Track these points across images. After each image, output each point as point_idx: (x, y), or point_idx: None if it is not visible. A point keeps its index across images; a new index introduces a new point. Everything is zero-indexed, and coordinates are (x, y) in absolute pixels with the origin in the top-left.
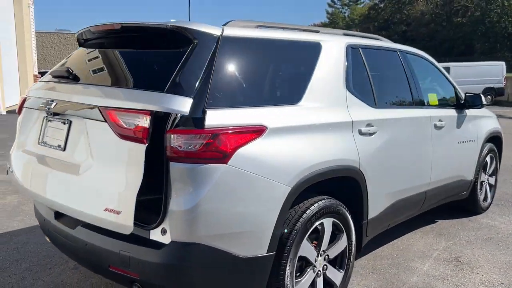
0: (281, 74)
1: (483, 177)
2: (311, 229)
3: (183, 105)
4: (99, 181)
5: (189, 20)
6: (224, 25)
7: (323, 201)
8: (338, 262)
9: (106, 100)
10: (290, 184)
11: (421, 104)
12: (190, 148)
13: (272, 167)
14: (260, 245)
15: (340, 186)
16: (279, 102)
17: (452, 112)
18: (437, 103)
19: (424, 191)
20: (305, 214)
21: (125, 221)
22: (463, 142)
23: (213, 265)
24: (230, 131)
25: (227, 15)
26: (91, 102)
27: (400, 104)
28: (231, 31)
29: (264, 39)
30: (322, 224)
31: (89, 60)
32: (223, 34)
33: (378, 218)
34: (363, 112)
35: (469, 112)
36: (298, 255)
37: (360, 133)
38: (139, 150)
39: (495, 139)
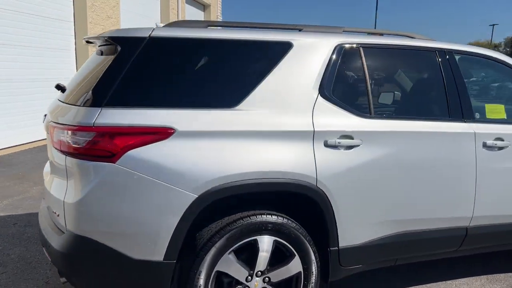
0: (215, 76)
1: None
2: (237, 244)
3: (84, 105)
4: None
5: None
6: (166, 25)
7: (259, 216)
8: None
9: (53, 116)
10: (195, 192)
11: (465, 116)
12: (79, 144)
13: (174, 172)
14: (155, 250)
15: (299, 205)
16: (205, 105)
17: None
18: (504, 116)
19: (463, 227)
20: (228, 227)
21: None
22: None
23: (103, 261)
24: (122, 131)
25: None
26: (51, 118)
27: (420, 115)
28: (160, 32)
29: (200, 39)
30: (255, 241)
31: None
32: (151, 35)
33: (365, 248)
34: (340, 121)
35: None
36: (216, 269)
37: (327, 145)
38: (61, 158)
39: None
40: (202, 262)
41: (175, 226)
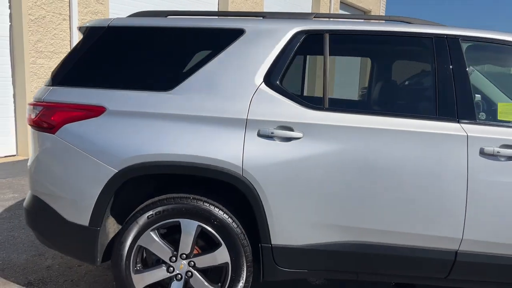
0: (156, 61)
1: None
2: (159, 224)
3: (46, 84)
4: None
5: None
6: (130, 15)
7: (183, 200)
8: (215, 278)
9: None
10: (116, 168)
11: (460, 116)
12: (33, 117)
13: (100, 147)
14: (81, 215)
15: (230, 194)
16: (140, 88)
17: None
18: None
19: (450, 250)
20: (151, 205)
21: None
22: None
23: (48, 219)
24: (61, 106)
25: None
26: None
27: (393, 111)
28: (118, 22)
29: (153, 27)
30: (179, 224)
31: None
32: (109, 25)
33: (307, 252)
34: (281, 111)
35: None
36: (138, 244)
37: (259, 134)
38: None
39: None
40: (125, 234)
41: (97, 196)
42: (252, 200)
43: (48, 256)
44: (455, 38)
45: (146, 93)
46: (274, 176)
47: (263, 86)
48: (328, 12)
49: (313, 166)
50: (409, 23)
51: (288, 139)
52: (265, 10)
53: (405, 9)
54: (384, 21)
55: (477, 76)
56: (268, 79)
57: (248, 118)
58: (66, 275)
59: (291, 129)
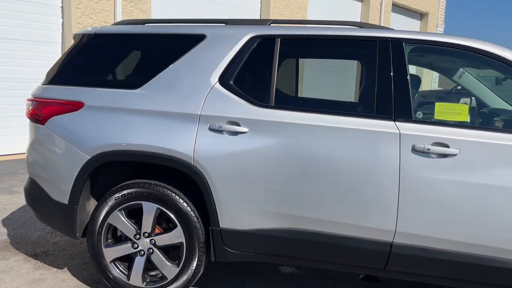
0: (131, 62)
1: None
2: (124, 206)
3: (41, 83)
4: None
5: None
6: (114, 24)
7: (143, 186)
8: (173, 255)
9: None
10: (89, 154)
11: (397, 115)
12: (29, 111)
13: (78, 136)
14: (62, 195)
15: (185, 181)
16: (114, 86)
17: (501, 138)
18: (465, 119)
19: (384, 242)
20: (115, 189)
21: None
22: None
23: (41, 198)
24: (49, 102)
25: None
26: None
27: (333, 109)
28: (103, 29)
29: (129, 33)
30: (139, 206)
31: None
32: (95, 32)
33: (255, 236)
34: (231, 108)
35: None
36: (107, 222)
37: (210, 128)
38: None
39: None
40: (97, 213)
41: (74, 178)
42: (202, 187)
43: (58, 234)
44: (399, 41)
45: (118, 91)
46: (221, 166)
47: (217, 85)
48: (378, 15)
49: (256, 159)
50: (360, 27)
51: (235, 133)
52: (309, 16)
53: (464, 10)
54: (337, 26)
55: (467, 78)
56: (222, 79)
57: (201, 113)
58: (67, 250)
59: (238, 124)
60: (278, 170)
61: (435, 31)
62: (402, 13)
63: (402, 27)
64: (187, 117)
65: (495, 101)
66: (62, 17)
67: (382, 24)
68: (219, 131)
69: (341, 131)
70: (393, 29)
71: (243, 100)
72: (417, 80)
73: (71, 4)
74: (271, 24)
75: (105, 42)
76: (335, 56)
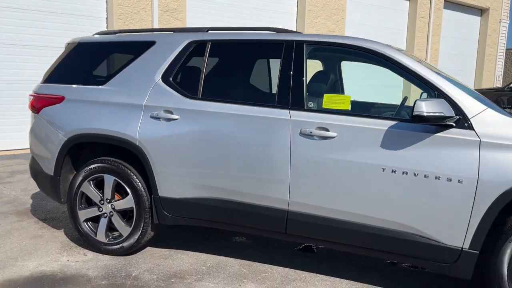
0: (99, 65)
1: None
2: (91, 177)
3: (40, 82)
4: None
5: None
6: (95, 34)
7: (104, 162)
8: (127, 217)
9: None
10: (66, 136)
11: (292, 104)
12: (30, 103)
13: (59, 123)
14: (49, 168)
15: (135, 158)
16: (87, 83)
17: (372, 123)
18: (347, 107)
19: (281, 209)
20: (85, 164)
21: None
22: (406, 173)
23: (39, 172)
24: (42, 96)
25: None
26: None
27: (247, 100)
28: (84, 39)
29: (101, 42)
30: (102, 178)
31: None
32: (79, 41)
33: (185, 203)
34: (168, 100)
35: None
36: (80, 190)
37: (152, 116)
38: None
39: None
40: (72, 182)
41: (56, 154)
42: (144, 163)
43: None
44: (301, 42)
45: (90, 87)
46: (158, 146)
47: (159, 81)
48: (428, 12)
49: (184, 140)
50: (276, 32)
51: (169, 119)
52: (347, 17)
53: None
54: (255, 32)
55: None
56: (164, 77)
57: (145, 104)
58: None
59: (171, 113)
60: (200, 150)
61: (498, 27)
62: (457, 10)
63: (457, 25)
64: (135, 107)
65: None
66: (107, 28)
67: (432, 22)
68: (157, 118)
69: (248, 118)
70: (301, 33)
71: (177, 93)
72: (324, 75)
73: (114, 15)
74: (209, 31)
75: (85, 49)
76: (253, 56)
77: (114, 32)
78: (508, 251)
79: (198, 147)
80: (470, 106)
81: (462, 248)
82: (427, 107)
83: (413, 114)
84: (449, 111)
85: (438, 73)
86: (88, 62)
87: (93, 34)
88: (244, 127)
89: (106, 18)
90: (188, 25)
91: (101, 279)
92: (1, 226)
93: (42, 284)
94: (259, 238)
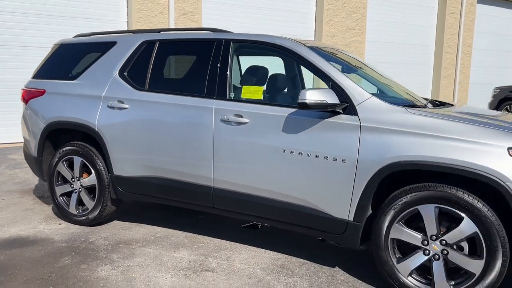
0: (74, 62)
1: (397, 230)
2: (64, 158)
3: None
4: None
5: None
6: (74, 36)
7: (73, 145)
8: (93, 193)
9: None
10: (45, 123)
11: (218, 95)
12: (21, 96)
13: (40, 112)
14: (34, 150)
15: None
16: (63, 78)
17: (277, 111)
18: (259, 97)
19: (207, 186)
20: (60, 148)
21: None
22: (301, 154)
23: (27, 153)
24: (29, 90)
25: None
26: None
27: (183, 91)
28: (65, 40)
29: (77, 43)
30: (72, 159)
31: None
32: (61, 42)
33: (134, 181)
34: (121, 92)
35: (344, 118)
36: (56, 169)
37: (108, 106)
38: None
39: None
40: (51, 163)
41: (38, 138)
42: (102, 146)
43: None
44: (228, 41)
45: (65, 81)
46: (112, 132)
47: (116, 76)
48: (459, 8)
49: (132, 126)
50: (212, 31)
51: (121, 108)
52: (368, 14)
53: None
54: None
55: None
56: (120, 72)
57: (103, 95)
58: None
59: (123, 102)
60: (144, 135)
61: None
62: (494, 4)
63: (493, 20)
64: (96, 98)
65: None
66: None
67: (464, 18)
68: (112, 107)
69: (182, 107)
70: (231, 33)
71: (129, 86)
72: (264, 71)
73: (133, 20)
74: (161, 32)
75: (65, 49)
76: (191, 53)
77: (89, 34)
78: (384, 224)
79: (142, 132)
80: (357, 94)
81: (347, 220)
82: (309, 95)
83: (298, 101)
84: (333, 99)
85: (352, 66)
86: (66, 60)
87: (73, 37)
88: (179, 115)
89: (127, 22)
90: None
91: (62, 242)
92: (4, 200)
93: (14, 244)
94: (214, 216)
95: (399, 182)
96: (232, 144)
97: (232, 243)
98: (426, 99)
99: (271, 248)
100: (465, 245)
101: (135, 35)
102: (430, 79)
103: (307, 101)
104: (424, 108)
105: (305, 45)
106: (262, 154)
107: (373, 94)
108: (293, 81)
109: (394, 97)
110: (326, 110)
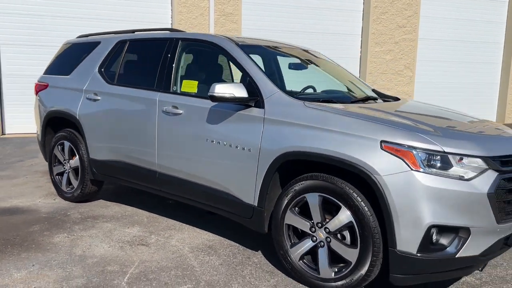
0: (71, 60)
1: (291, 219)
2: (58, 143)
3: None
4: None
5: None
6: (77, 37)
7: (63, 132)
8: (78, 173)
9: None
10: (45, 112)
11: (163, 88)
12: (34, 89)
13: (43, 102)
14: (40, 135)
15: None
16: (61, 74)
17: (205, 103)
18: (194, 91)
19: (154, 170)
20: (56, 133)
21: None
22: (219, 143)
23: (37, 137)
24: (39, 84)
25: None
26: None
27: (140, 85)
28: (70, 40)
29: (76, 43)
30: (64, 143)
31: None
32: (67, 42)
33: (104, 164)
34: (96, 85)
35: (254, 111)
36: (53, 152)
37: (87, 98)
38: None
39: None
40: (50, 147)
41: (41, 125)
42: (81, 131)
43: None
44: (177, 39)
45: (62, 77)
46: (88, 120)
47: (96, 72)
48: None
49: (102, 115)
50: (170, 31)
51: (95, 100)
52: (422, 11)
53: None
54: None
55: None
56: (99, 68)
57: (84, 89)
58: None
59: (97, 95)
60: (110, 123)
61: None
62: None
63: None
64: (79, 91)
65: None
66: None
67: None
68: (89, 99)
69: (138, 99)
70: (182, 32)
71: (103, 80)
72: (220, 67)
73: (175, 21)
74: (135, 32)
75: (69, 48)
76: (150, 50)
77: (87, 35)
78: (280, 210)
79: (108, 121)
80: (267, 89)
81: (253, 205)
82: (218, 89)
83: (208, 94)
84: (241, 93)
85: (301, 63)
86: (67, 58)
87: (76, 37)
88: (134, 106)
89: (171, 24)
90: (244, 28)
91: (44, 214)
92: (26, 178)
93: (8, 212)
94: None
95: (302, 172)
96: (169, 133)
97: (184, 224)
98: (384, 96)
99: (215, 232)
100: (346, 234)
101: (115, 36)
102: (498, 79)
103: (215, 94)
104: (345, 103)
105: (235, 43)
106: (191, 143)
107: (310, 89)
108: (226, 76)
109: (333, 92)
110: (240, 103)
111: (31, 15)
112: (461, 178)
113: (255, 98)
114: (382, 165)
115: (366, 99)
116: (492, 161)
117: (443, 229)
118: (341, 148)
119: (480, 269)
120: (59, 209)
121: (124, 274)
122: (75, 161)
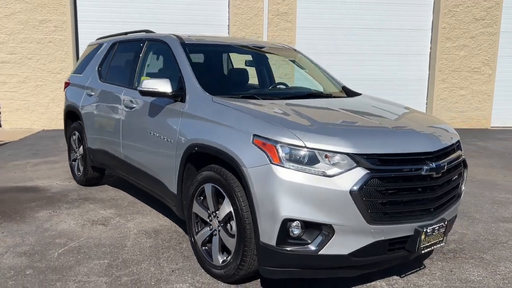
0: (87, 61)
1: (199, 211)
2: (72, 133)
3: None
4: None
5: None
6: (97, 39)
7: (75, 124)
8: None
9: None
10: (65, 106)
11: (130, 85)
12: (64, 86)
13: (68, 97)
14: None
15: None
16: (78, 72)
17: (149, 98)
18: None
19: (120, 159)
20: (68, 125)
21: None
22: (154, 134)
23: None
24: (67, 82)
25: None
26: None
27: (119, 82)
28: (91, 42)
29: (92, 44)
30: (75, 134)
31: None
32: (89, 44)
33: (97, 152)
34: (93, 82)
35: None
36: (71, 140)
37: (87, 94)
38: None
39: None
40: (68, 136)
41: (64, 116)
42: (81, 122)
43: None
44: (144, 40)
45: (77, 75)
46: (86, 113)
47: (96, 70)
48: None
49: (94, 109)
50: (146, 32)
51: (91, 95)
52: (505, 2)
53: None
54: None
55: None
56: (98, 67)
57: (86, 85)
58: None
59: (92, 90)
60: (97, 116)
61: None
62: None
63: None
64: (83, 87)
65: None
66: (228, 33)
67: None
68: (88, 95)
69: (113, 95)
70: (152, 33)
71: (98, 78)
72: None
73: (231, 22)
74: (127, 34)
75: (87, 50)
76: (130, 50)
77: (100, 38)
78: (189, 199)
79: (97, 114)
80: (189, 85)
81: (174, 193)
82: (145, 84)
83: (137, 88)
84: (165, 88)
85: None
86: (87, 58)
87: (96, 39)
88: (111, 101)
89: (228, 25)
90: (298, 28)
91: (50, 193)
92: (60, 164)
93: (25, 190)
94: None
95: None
96: (127, 125)
97: (153, 210)
98: (351, 92)
99: (174, 219)
100: (233, 224)
101: (113, 38)
102: None
103: (142, 89)
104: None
105: (179, 41)
106: (138, 134)
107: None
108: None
109: (295, 87)
110: (169, 98)
111: (106, 22)
112: (323, 174)
113: (181, 93)
114: (250, 159)
115: (317, 95)
116: (363, 159)
117: (307, 225)
118: (223, 141)
119: (401, 275)
120: (65, 190)
121: (63, 246)
122: (81, 150)
